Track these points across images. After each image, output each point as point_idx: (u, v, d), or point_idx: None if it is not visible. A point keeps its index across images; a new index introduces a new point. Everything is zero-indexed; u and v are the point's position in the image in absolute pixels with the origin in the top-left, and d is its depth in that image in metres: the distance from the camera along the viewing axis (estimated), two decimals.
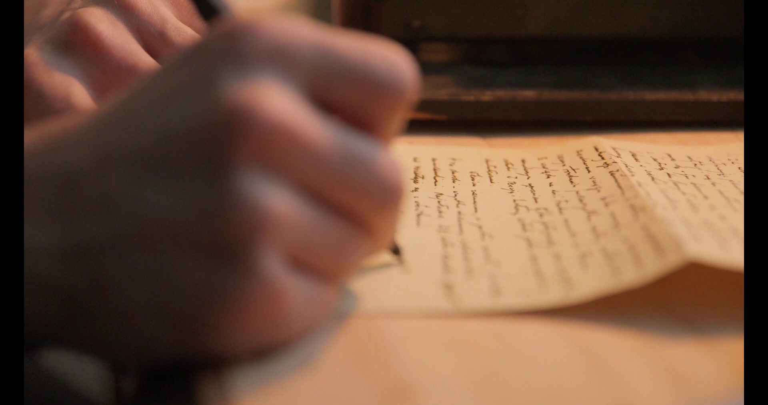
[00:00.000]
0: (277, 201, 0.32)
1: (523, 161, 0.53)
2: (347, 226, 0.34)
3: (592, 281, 0.38)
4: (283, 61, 0.33)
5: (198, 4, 0.38)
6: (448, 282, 0.39)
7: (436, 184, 0.50)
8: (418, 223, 0.45)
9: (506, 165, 0.52)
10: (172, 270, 0.32)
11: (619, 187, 0.46)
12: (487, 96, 0.59)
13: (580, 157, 0.52)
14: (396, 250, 0.40)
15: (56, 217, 0.33)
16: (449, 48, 0.66)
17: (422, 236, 0.43)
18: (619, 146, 0.53)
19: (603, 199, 0.46)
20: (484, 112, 0.59)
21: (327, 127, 0.33)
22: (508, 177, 0.51)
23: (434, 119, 0.59)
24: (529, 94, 0.59)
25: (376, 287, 0.39)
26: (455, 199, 0.48)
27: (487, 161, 0.53)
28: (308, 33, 0.34)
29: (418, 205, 0.47)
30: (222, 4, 0.38)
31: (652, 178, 0.48)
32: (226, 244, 0.32)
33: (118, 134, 0.33)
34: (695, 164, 0.51)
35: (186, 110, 0.32)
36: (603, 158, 0.51)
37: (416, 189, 0.49)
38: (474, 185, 0.50)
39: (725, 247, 0.38)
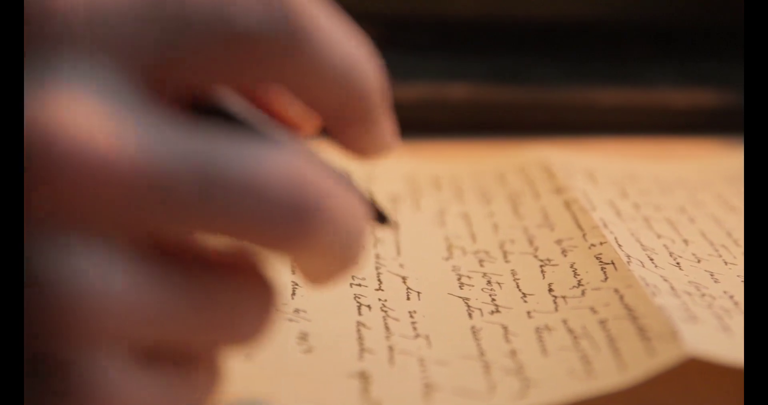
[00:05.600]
0: (108, 277, 0.21)
1: (455, 180, 0.43)
2: (223, 283, 0.23)
3: (555, 378, 0.28)
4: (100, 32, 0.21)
5: None
6: (363, 369, 0.29)
7: None
8: None
9: (435, 184, 0.43)
10: None
11: (579, 226, 0.37)
12: (410, 93, 0.49)
13: (527, 177, 0.42)
14: (382, 217, 0.27)
15: None
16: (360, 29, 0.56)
17: (330, 293, 0.33)
18: (573, 163, 0.43)
19: (558, 242, 0.36)
20: (407, 112, 0.49)
21: (170, 136, 0.21)
22: (439, 202, 0.41)
23: None
24: (461, 91, 0.49)
25: (271, 378, 0.29)
26: (372, 233, 0.38)
27: (411, 178, 0.43)
28: None
29: None
30: None
31: (617, 213, 0.38)
32: (43, 350, 0.21)
33: None
34: (664, 190, 0.42)
35: None
36: (554, 181, 0.41)
37: None
38: (396, 213, 0.40)
39: (728, 331, 0.29)
